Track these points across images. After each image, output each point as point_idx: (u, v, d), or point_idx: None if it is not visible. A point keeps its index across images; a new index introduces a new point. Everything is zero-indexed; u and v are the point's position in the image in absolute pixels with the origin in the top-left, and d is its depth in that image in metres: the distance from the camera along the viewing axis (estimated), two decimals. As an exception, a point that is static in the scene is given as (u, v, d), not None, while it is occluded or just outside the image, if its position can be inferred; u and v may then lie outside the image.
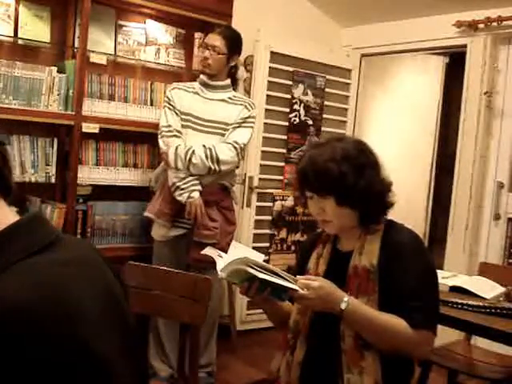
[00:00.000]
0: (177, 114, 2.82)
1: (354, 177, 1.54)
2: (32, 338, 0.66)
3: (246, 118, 2.87)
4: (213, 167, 2.75)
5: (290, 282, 1.48)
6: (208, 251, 1.71)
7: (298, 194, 1.67)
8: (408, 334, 1.47)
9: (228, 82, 2.93)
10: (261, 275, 1.45)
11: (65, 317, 0.71)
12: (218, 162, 2.76)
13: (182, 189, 2.74)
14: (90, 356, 0.71)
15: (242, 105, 2.89)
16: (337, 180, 1.54)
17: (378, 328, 1.48)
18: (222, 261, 1.59)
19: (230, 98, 2.90)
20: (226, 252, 1.74)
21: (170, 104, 2.83)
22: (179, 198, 2.75)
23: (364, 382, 1.48)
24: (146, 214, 2.88)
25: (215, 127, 2.83)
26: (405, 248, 1.55)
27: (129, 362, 0.81)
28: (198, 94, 2.88)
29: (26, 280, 0.71)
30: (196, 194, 2.75)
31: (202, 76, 2.91)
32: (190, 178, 2.74)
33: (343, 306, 1.48)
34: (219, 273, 1.54)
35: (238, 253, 1.58)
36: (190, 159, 2.72)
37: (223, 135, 2.83)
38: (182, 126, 2.82)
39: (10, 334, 0.65)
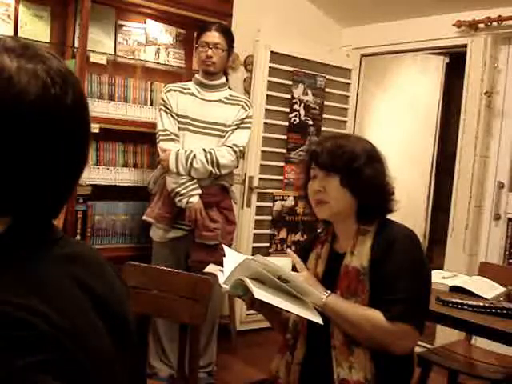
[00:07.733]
0: (173, 117, 2.80)
1: (364, 162, 1.58)
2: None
3: (244, 118, 2.87)
4: (214, 171, 2.76)
5: (290, 293, 1.47)
6: (211, 268, 1.67)
7: (302, 175, 1.69)
8: (384, 326, 1.47)
9: (224, 80, 2.92)
10: (257, 294, 1.39)
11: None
12: (219, 166, 2.76)
13: (182, 194, 2.73)
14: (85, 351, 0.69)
15: (238, 105, 2.88)
16: (348, 158, 1.58)
17: (355, 321, 1.50)
18: (223, 274, 1.55)
19: (226, 98, 2.89)
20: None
21: (166, 107, 2.81)
22: (179, 204, 2.75)
23: (353, 378, 1.48)
24: (145, 218, 2.87)
25: (213, 129, 2.83)
26: (395, 243, 1.55)
27: (126, 362, 0.80)
28: (194, 94, 2.86)
29: None
30: (195, 199, 2.74)
31: (197, 76, 2.90)
32: (189, 182, 2.74)
33: (324, 297, 1.53)
34: (222, 286, 1.51)
35: (237, 259, 1.51)
36: (191, 163, 2.72)
37: (221, 136, 2.83)
38: (180, 129, 2.81)
39: None
